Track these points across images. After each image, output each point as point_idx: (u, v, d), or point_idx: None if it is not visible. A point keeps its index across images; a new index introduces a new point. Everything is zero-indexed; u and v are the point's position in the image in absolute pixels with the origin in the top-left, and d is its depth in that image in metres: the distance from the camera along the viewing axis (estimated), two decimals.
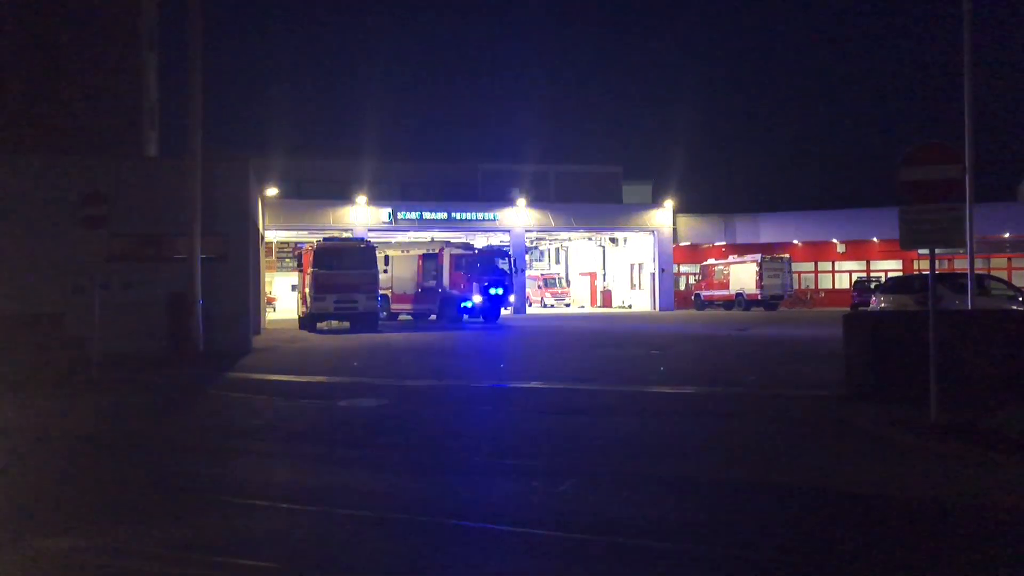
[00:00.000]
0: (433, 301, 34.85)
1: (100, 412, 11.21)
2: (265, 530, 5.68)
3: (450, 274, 34.21)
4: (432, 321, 34.64)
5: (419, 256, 36.14)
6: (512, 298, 36.90)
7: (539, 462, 7.60)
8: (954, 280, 20.88)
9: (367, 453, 8.26)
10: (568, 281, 57.21)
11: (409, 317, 36.57)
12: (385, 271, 38.83)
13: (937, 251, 9.08)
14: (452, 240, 37.94)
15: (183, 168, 18.93)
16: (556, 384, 13.20)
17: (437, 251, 35.33)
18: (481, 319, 33.97)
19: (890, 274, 44.35)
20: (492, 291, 33.77)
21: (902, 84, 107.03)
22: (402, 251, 37.77)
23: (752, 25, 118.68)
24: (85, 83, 31.34)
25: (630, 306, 51.43)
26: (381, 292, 36.70)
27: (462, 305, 33.53)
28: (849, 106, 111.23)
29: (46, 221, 18.56)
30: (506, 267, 35.54)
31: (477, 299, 33.53)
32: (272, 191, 38.67)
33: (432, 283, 34.96)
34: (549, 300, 53.81)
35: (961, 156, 9.51)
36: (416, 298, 35.89)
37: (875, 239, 50.30)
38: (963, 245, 12.81)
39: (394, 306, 36.77)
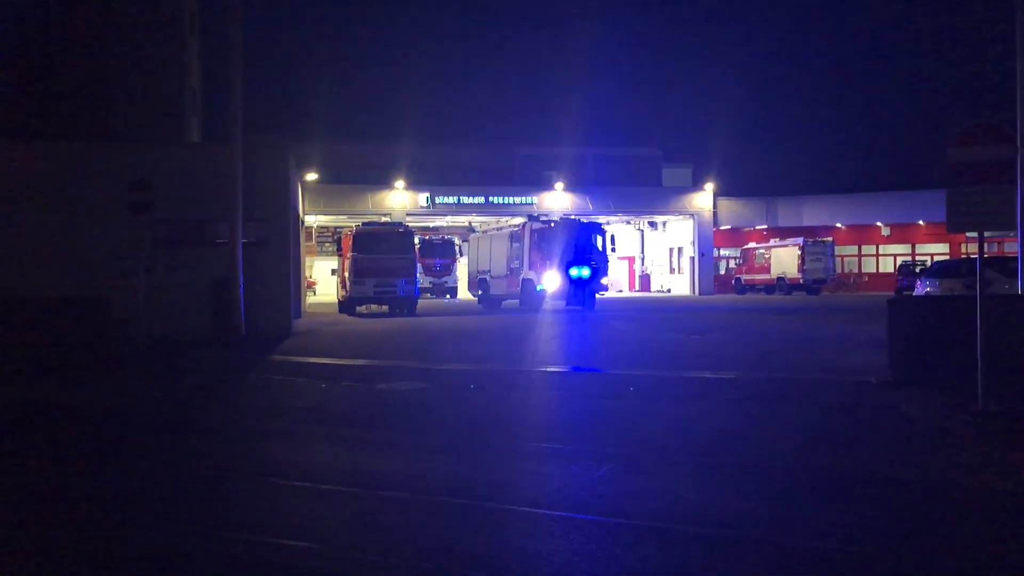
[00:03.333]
0: (518, 285, 30.58)
1: (144, 394, 11.46)
2: (304, 511, 5.75)
3: (529, 253, 29.87)
4: (518, 307, 30.46)
5: (508, 235, 32.19)
6: (605, 280, 30.71)
7: (575, 446, 7.58)
8: (1004, 264, 20.39)
9: (405, 436, 8.32)
10: None
11: (517, 303, 31.12)
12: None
13: (986, 234, 8.86)
14: (542, 215, 33.28)
15: (224, 154, 19.15)
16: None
17: (520, 228, 31.26)
18: (580, 307, 28.81)
19: (936, 258, 43.42)
20: (575, 271, 28.48)
21: (950, 62, 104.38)
22: (498, 230, 34.42)
23: (794, 3, 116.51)
24: (128, 70, 31.85)
25: (669, 290, 51.04)
26: (481, 277, 34.11)
27: (538, 288, 28.91)
28: (895, 86, 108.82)
29: (92, 207, 18.93)
30: (599, 244, 30.10)
31: (551, 280, 28.53)
32: (312, 176, 38.98)
33: (517, 264, 30.78)
34: None
35: (1012, 136, 9.22)
36: (508, 283, 31.57)
37: (921, 222, 49.26)
38: (1013, 227, 12.46)
39: (494, 292, 32.80)
